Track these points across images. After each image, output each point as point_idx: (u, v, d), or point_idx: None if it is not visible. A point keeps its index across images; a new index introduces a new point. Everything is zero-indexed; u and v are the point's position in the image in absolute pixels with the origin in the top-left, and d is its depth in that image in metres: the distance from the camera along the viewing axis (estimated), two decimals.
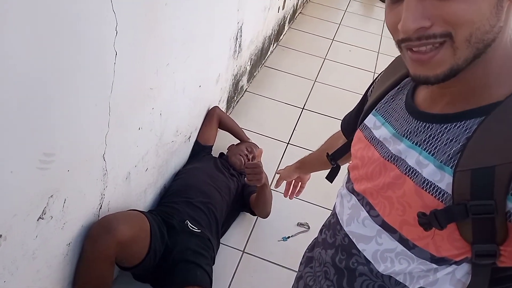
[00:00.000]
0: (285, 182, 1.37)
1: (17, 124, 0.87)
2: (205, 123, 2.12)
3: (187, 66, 1.67)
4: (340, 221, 0.74)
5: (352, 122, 0.86)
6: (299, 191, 1.38)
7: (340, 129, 0.97)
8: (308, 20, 4.05)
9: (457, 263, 0.59)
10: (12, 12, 0.76)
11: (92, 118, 1.14)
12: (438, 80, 0.53)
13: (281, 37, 3.55)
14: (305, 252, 0.91)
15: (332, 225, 0.78)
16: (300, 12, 4.12)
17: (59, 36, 0.90)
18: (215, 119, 2.13)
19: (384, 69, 0.78)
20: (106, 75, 1.13)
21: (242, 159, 2.06)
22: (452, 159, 0.55)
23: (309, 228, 2.05)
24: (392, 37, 0.56)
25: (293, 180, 1.35)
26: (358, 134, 0.75)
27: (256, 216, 2.05)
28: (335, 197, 0.83)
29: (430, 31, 0.50)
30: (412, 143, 0.61)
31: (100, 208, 1.35)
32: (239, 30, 2.24)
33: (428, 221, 0.56)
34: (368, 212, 0.68)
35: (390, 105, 0.69)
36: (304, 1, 4.16)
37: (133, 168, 1.50)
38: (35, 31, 0.83)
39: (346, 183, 0.77)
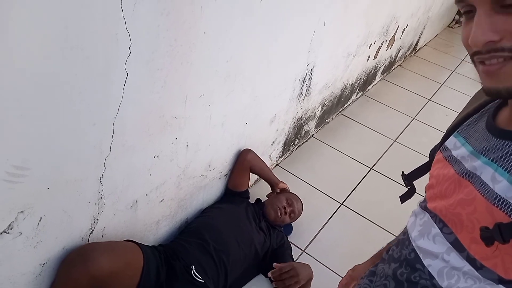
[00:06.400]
0: None
1: None
2: (234, 168, 1.91)
3: (229, 100, 1.55)
4: (409, 237, 0.75)
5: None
6: None
7: None
8: (406, 75, 3.72)
9: None
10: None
11: (87, 137, 1.06)
12: (510, 93, 0.54)
13: (369, 87, 3.29)
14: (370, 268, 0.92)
15: (401, 241, 0.79)
16: (400, 65, 3.81)
17: (60, 43, 0.84)
18: (245, 165, 1.88)
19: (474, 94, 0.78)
20: (112, 96, 1.06)
21: (279, 211, 1.85)
22: None
23: None
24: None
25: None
26: (438, 155, 0.75)
27: None
28: None
29: (499, 45, 0.52)
30: (489, 159, 0.60)
31: (91, 232, 1.26)
32: (308, 73, 2.07)
33: (490, 234, 0.55)
34: (440, 229, 0.68)
35: (472, 127, 0.69)
36: (407, 54, 3.85)
37: (142, 197, 1.40)
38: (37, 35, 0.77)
39: (420, 203, 0.78)
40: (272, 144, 2.15)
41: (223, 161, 1.78)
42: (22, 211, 1.00)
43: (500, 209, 0.56)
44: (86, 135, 1.05)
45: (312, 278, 1.62)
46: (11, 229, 1.00)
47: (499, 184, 0.57)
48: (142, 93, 1.14)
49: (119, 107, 1.09)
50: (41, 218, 1.06)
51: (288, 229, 2.00)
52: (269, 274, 1.61)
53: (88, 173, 1.13)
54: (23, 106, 0.87)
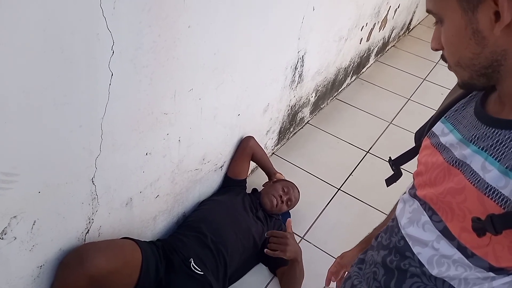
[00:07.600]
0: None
1: None
2: (236, 155, 1.92)
3: (219, 93, 1.54)
4: (399, 224, 0.74)
5: (424, 132, 0.84)
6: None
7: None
8: (401, 55, 3.69)
9: None
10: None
11: (75, 139, 1.05)
12: (461, 88, 0.64)
13: (363, 70, 3.27)
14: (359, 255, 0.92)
15: (390, 228, 0.78)
16: (394, 46, 3.77)
17: (39, 47, 0.83)
18: (247, 152, 1.91)
19: None
20: (97, 96, 1.05)
21: (275, 200, 1.86)
22: None
23: None
24: None
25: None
26: (425, 141, 0.74)
27: None
28: None
29: (443, 53, 0.61)
30: (478, 148, 0.60)
31: (87, 232, 1.27)
32: (300, 60, 2.05)
33: (482, 225, 0.54)
34: (430, 217, 0.67)
35: (460, 113, 0.69)
36: (400, 34, 3.81)
37: (137, 194, 1.40)
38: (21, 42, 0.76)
39: (409, 189, 0.77)
40: (266, 133, 2.15)
41: (218, 153, 1.78)
42: (15, 216, 1.00)
43: (491, 199, 0.55)
44: (74, 137, 1.05)
45: (299, 256, 1.63)
46: (5, 234, 1.00)
47: (490, 173, 0.56)
48: (129, 92, 1.13)
49: (106, 107, 1.09)
50: (34, 221, 1.06)
51: (286, 217, 2.01)
52: (266, 234, 1.62)
53: (79, 175, 1.13)
54: (7, 112, 0.86)
